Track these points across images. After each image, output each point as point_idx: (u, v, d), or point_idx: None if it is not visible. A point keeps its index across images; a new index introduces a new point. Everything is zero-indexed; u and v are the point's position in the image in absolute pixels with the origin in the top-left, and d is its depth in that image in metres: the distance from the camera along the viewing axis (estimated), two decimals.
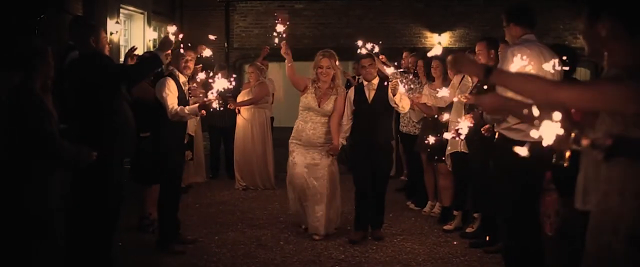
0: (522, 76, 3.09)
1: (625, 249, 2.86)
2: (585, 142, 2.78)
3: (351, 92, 7.24)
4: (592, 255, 3.03)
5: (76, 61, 5.54)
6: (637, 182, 2.85)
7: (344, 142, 7.21)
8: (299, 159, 7.03)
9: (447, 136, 6.12)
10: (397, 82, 6.68)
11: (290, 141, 7.15)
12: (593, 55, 3.28)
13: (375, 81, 7.10)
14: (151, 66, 5.70)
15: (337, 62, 7.05)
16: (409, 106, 7.14)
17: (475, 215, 7.09)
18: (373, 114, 7.02)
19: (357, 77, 14.57)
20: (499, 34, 16.50)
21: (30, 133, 4.21)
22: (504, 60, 5.11)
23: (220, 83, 6.47)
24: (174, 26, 5.92)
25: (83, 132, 5.16)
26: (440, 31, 17.36)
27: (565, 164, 2.92)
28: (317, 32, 17.30)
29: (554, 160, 2.90)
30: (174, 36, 5.75)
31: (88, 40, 5.39)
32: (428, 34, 17.40)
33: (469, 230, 7.12)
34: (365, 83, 7.14)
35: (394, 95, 6.77)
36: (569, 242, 4.37)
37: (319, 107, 7.01)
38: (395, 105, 6.92)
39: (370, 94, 7.08)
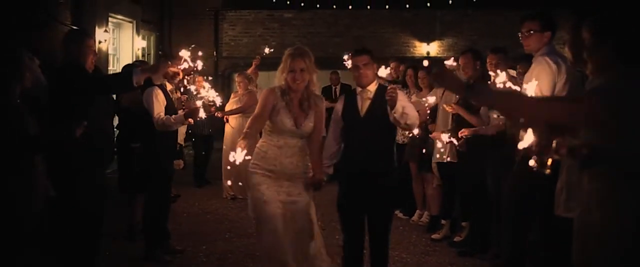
0: (500, 94, 3.17)
1: (610, 263, 2.90)
2: (562, 150, 2.83)
3: (340, 102, 5.48)
4: (581, 260, 3.09)
5: (53, 72, 5.56)
6: (616, 197, 2.91)
7: (330, 172, 5.43)
8: (271, 192, 5.06)
9: (444, 138, 6.20)
10: (394, 89, 5.00)
11: (252, 168, 5.16)
12: (578, 64, 3.35)
13: (372, 87, 5.27)
14: (120, 86, 5.65)
15: (312, 63, 5.10)
16: (416, 123, 5.25)
17: (464, 224, 7.11)
18: (368, 131, 5.21)
19: (334, 88, 14.67)
20: (487, 43, 16.67)
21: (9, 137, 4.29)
22: (541, 69, 4.94)
23: (210, 93, 6.48)
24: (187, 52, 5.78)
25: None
26: (428, 40, 17.45)
27: (547, 172, 2.96)
28: (306, 41, 17.33)
29: (535, 168, 2.95)
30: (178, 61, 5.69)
31: (69, 49, 5.41)
32: (417, 43, 17.49)
33: (457, 239, 7.13)
34: (358, 90, 5.32)
35: (391, 109, 5.01)
36: None
37: (297, 127, 5.07)
38: (395, 122, 5.11)
39: (363, 105, 5.27)
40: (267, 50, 11.37)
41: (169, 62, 5.49)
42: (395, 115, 5.00)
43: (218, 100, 6.77)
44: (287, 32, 17.47)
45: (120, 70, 10.24)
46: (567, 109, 2.95)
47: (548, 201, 3.82)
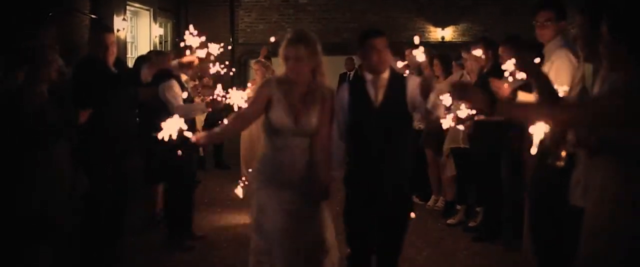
0: (526, 107, 3.13)
1: (618, 258, 2.98)
2: (572, 139, 2.90)
3: (343, 90, 4.67)
4: (586, 259, 3.14)
5: (78, 63, 5.73)
6: (629, 191, 2.93)
7: (338, 177, 4.66)
8: (271, 199, 4.37)
9: (445, 124, 6.24)
10: (431, 75, 4.68)
11: (253, 174, 4.61)
12: (590, 58, 3.40)
13: (386, 74, 4.53)
14: (130, 82, 5.77)
15: (319, 48, 4.36)
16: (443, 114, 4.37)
17: (478, 209, 7.22)
18: (384, 125, 4.46)
19: (348, 74, 14.56)
20: (501, 28, 16.62)
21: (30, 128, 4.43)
22: (561, 62, 4.86)
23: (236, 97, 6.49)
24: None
25: (81, 134, 5.36)
26: (443, 25, 17.46)
27: (562, 164, 3.06)
28: (321, 26, 17.40)
29: (549, 160, 3.05)
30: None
31: (91, 43, 5.57)
32: (431, 28, 17.50)
33: (471, 224, 7.25)
34: (368, 77, 4.55)
35: (425, 99, 4.32)
36: None
37: (296, 124, 4.30)
38: (429, 115, 4.38)
39: (378, 94, 4.51)
40: (272, 39, 11.46)
41: (171, 55, 5.63)
42: (428, 106, 4.31)
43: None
44: (303, 18, 17.55)
45: (137, 57, 10.46)
46: (593, 114, 2.96)
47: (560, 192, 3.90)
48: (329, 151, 4.49)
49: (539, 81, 3.64)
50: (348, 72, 14.08)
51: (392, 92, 4.52)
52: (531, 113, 3.05)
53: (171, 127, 4.24)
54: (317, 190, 4.38)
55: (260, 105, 4.37)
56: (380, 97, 4.52)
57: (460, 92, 3.29)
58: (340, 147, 4.61)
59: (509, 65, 4.35)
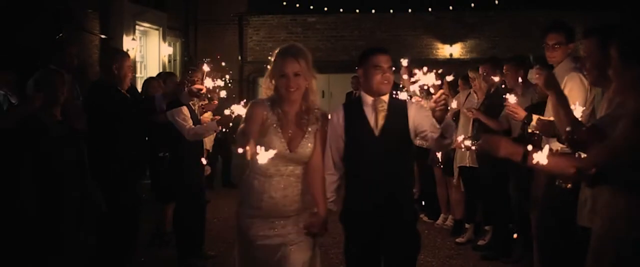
0: (554, 159, 3.14)
1: None
2: (572, 170, 2.92)
3: (337, 115, 4.19)
4: None
5: (92, 87, 5.80)
6: (632, 212, 2.95)
7: (334, 209, 4.17)
8: (261, 238, 3.92)
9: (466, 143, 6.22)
10: (445, 97, 3.79)
11: (239, 210, 4.05)
12: (597, 82, 3.43)
13: (386, 97, 4.13)
14: (145, 112, 5.87)
15: (311, 64, 3.90)
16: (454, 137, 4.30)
17: (487, 228, 7.21)
18: (386, 153, 4.05)
19: (354, 93, 14.43)
20: (509, 44, 16.55)
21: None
22: (574, 84, 4.82)
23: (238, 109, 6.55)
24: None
25: (94, 156, 5.40)
26: (451, 42, 17.50)
27: (568, 185, 3.09)
28: (330, 44, 17.49)
29: (557, 182, 3.07)
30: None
31: (111, 67, 5.63)
32: (439, 45, 17.55)
33: (480, 243, 7.24)
34: (368, 100, 4.13)
35: (439, 121, 3.82)
36: None
37: (290, 150, 3.86)
38: (437, 141, 3.95)
39: (378, 118, 4.09)
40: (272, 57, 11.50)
41: (184, 83, 5.62)
42: (443, 130, 3.85)
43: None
44: (311, 36, 17.64)
45: (146, 77, 10.55)
46: (617, 152, 2.98)
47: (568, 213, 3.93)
48: (323, 180, 4.04)
49: (559, 99, 3.68)
50: (354, 92, 14.04)
51: (393, 118, 4.10)
52: (559, 166, 3.04)
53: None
54: (314, 223, 3.94)
55: (258, 124, 3.84)
56: (381, 123, 4.09)
57: (490, 147, 3.28)
58: (334, 175, 4.14)
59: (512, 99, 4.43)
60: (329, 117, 4.10)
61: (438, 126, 3.82)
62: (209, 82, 5.56)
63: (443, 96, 3.75)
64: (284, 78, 3.82)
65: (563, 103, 3.74)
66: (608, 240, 3.07)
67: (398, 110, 4.12)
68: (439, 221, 8.39)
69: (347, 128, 4.13)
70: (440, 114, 3.78)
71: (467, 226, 7.64)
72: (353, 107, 4.22)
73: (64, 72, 5.60)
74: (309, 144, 3.92)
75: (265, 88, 3.98)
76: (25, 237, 4.57)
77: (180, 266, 6.60)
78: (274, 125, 3.86)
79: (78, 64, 6.85)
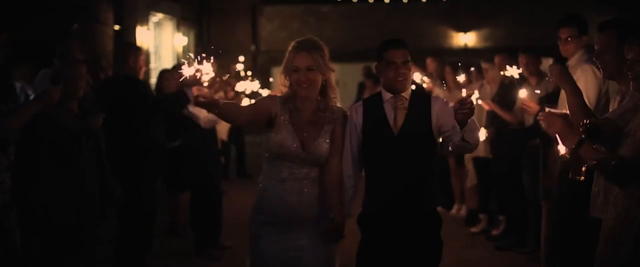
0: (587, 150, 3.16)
1: None
2: (592, 162, 2.94)
3: (356, 112, 3.86)
4: (610, 261, 3.18)
5: (112, 79, 5.83)
6: None
7: (351, 215, 3.85)
8: (273, 249, 3.65)
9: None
10: (470, 96, 3.41)
11: (252, 217, 3.78)
12: (612, 75, 3.44)
13: (407, 93, 3.82)
14: (180, 104, 5.94)
15: (327, 58, 3.69)
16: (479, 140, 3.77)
17: (500, 218, 7.21)
18: (406, 154, 3.74)
19: (366, 82, 14.26)
20: (524, 32, 16.48)
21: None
22: (588, 77, 4.85)
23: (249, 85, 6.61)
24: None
25: (112, 149, 5.44)
26: (466, 30, 17.44)
27: (582, 178, 3.09)
28: (343, 34, 17.48)
29: (570, 174, 3.07)
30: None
31: (128, 60, 5.68)
32: (454, 34, 17.48)
33: (494, 232, 7.24)
34: (387, 97, 3.81)
35: (461, 125, 3.40)
36: None
37: (304, 148, 3.62)
38: (458, 144, 3.52)
39: (397, 117, 3.77)
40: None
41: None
42: (465, 134, 3.44)
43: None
44: (324, 26, 17.63)
45: (160, 68, 10.59)
46: None
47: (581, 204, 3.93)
48: (341, 182, 3.76)
49: (572, 94, 3.69)
50: (365, 81, 13.88)
51: (414, 115, 3.78)
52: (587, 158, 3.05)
53: None
54: (331, 231, 3.67)
55: (255, 111, 3.69)
56: (400, 121, 3.77)
57: (548, 125, 3.29)
58: (351, 178, 3.81)
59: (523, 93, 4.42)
60: (348, 113, 3.85)
61: (459, 129, 3.43)
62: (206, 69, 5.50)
63: (469, 98, 3.35)
64: (296, 72, 3.60)
65: (577, 96, 3.74)
66: (624, 231, 3.09)
67: (420, 107, 3.79)
68: (453, 211, 8.40)
69: (364, 126, 3.81)
70: (463, 116, 3.37)
71: (481, 216, 7.64)
72: (373, 104, 3.87)
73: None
74: (324, 145, 3.66)
75: (280, 85, 3.75)
76: (44, 235, 4.61)
77: (196, 256, 6.66)
78: (286, 122, 3.62)
79: (86, 57, 6.87)
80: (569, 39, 5.00)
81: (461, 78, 4.50)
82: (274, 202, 3.66)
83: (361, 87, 13.40)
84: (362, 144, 3.82)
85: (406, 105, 3.79)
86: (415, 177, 3.75)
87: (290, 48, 3.68)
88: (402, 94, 3.80)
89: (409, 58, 3.78)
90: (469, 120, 3.40)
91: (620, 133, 3.17)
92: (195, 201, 6.77)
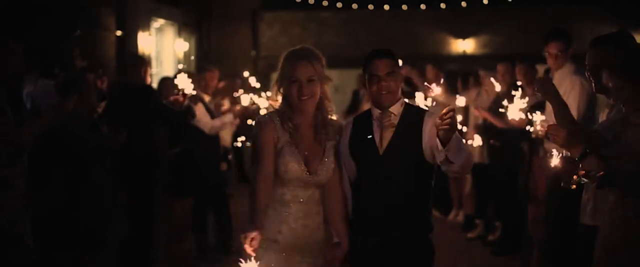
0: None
1: None
2: (581, 172, 3.04)
3: (346, 129, 3.57)
4: None
5: (125, 88, 5.90)
6: None
7: None
8: None
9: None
10: (453, 111, 3.05)
11: (246, 238, 3.21)
12: (602, 91, 3.56)
13: (397, 108, 3.45)
14: (188, 118, 6.08)
15: (324, 68, 3.41)
16: (471, 163, 3.44)
17: (497, 223, 7.30)
18: (392, 177, 3.41)
19: (360, 92, 14.11)
20: (523, 39, 16.54)
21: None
22: (573, 89, 5.01)
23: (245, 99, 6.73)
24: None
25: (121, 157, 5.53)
26: (464, 37, 17.51)
27: (573, 187, 3.20)
28: (343, 40, 17.54)
29: (562, 183, 3.19)
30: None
31: (140, 70, 5.79)
32: (452, 41, 17.57)
33: (490, 238, 7.33)
34: (375, 113, 3.50)
35: (444, 142, 3.10)
36: None
37: (311, 172, 3.34)
38: (445, 165, 3.22)
39: (384, 136, 3.45)
40: None
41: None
42: (448, 153, 3.11)
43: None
44: (325, 32, 17.71)
45: (162, 74, 10.70)
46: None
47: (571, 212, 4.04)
48: (345, 204, 3.50)
49: (558, 107, 3.79)
50: (359, 90, 13.43)
51: (402, 133, 3.42)
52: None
53: None
54: (336, 257, 3.45)
55: (272, 151, 3.32)
56: (386, 140, 3.43)
57: (554, 135, 3.30)
58: (350, 201, 3.54)
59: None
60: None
61: (440, 148, 3.11)
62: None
63: (450, 113, 3.02)
64: (295, 84, 3.29)
65: (563, 109, 3.83)
66: (619, 239, 3.18)
67: (411, 124, 3.42)
68: (451, 217, 8.49)
69: (351, 145, 3.48)
70: (443, 133, 3.06)
71: (477, 221, 7.73)
72: (361, 121, 3.56)
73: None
74: (331, 164, 3.39)
75: (271, 100, 3.49)
76: (57, 241, 4.72)
77: (200, 259, 6.79)
78: (288, 143, 3.32)
79: (88, 64, 6.95)
80: (559, 53, 5.14)
81: (438, 90, 3.34)
82: (279, 227, 3.35)
83: (355, 94, 13.25)
84: (353, 165, 3.49)
85: (395, 122, 3.44)
86: (402, 201, 3.39)
87: (284, 58, 3.38)
88: (391, 110, 3.44)
89: (396, 69, 3.44)
90: (452, 138, 3.07)
91: (616, 145, 3.27)
92: (197, 206, 6.86)
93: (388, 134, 3.43)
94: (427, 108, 3.70)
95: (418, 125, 3.40)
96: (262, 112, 5.97)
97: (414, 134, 3.40)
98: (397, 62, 3.48)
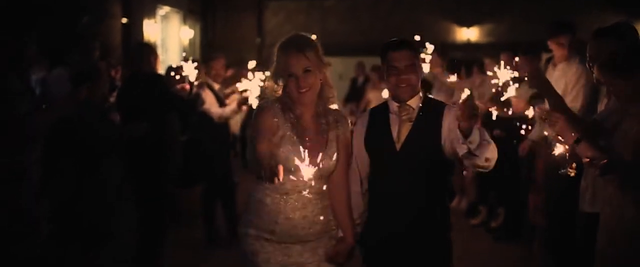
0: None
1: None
2: (584, 160, 3.12)
3: (362, 122, 3.48)
4: (608, 257, 3.35)
5: (134, 77, 5.97)
6: None
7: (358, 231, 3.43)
8: (273, 264, 3.29)
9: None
10: (468, 100, 2.89)
11: (243, 226, 3.36)
12: (603, 82, 3.64)
13: (415, 101, 3.33)
14: (196, 106, 6.19)
15: (321, 53, 3.24)
16: (495, 157, 3.10)
17: (500, 210, 7.39)
18: (410, 174, 3.29)
19: (357, 79, 14.07)
20: (527, 28, 16.52)
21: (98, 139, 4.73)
22: (579, 79, 5.08)
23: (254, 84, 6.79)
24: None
25: (134, 145, 5.59)
26: (469, 25, 17.53)
27: (572, 174, 3.29)
28: (347, 28, 17.58)
29: (561, 170, 3.27)
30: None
31: (149, 58, 5.84)
32: (457, 28, 17.59)
33: (493, 225, 7.42)
34: (393, 106, 3.37)
35: (465, 134, 2.91)
36: None
37: (313, 164, 2.96)
38: (466, 159, 3.04)
39: (401, 131, 3.32)
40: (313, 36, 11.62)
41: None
42: (471, 145, 2.92)
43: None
44: (329, 20, 17.74)
45: (168, 61, 10.76)
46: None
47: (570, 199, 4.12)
48: (349, 197, 3.37)
49: (553, 99, 3.85)
50: (357, 78, 13.25)
51: (421, 128, 3.28)
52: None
53: None
54: (340, 252, 3.30)
55: (270, 137, 3.17)
56: (404, 135, 3.29)
57: (550, 120, 3.39)
58: (358, 194, 3.43)
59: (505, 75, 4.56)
60: (351, 121, 3.49)
61: (462, 141, 2.93)
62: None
63: (468, 100, 2.87)
64: (292, 78, 3.16)
65: (558, 100, 3.90)
66: (618, 227, 3.26)
67: (430, 118, 3.28)
68: (454, 203, 8.56)
69: (367, 139, 3.38)
70: (466, 124, 2.88)
71: (480, 208, 7.81)
72: (378, 115, 3.43)
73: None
74: (333, 154, 3.26)
75: (269, 90, 3.36)
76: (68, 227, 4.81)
77: (209, 243, 6.93)
78: (289, 133, 3.19)
79: (100, 54, 7.00)
80: (564, 44, 5.21)
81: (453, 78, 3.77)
82: (276, 217, 3.24)
83: (354, 82, 13.28)
84: (367, 160, 3.39)
85: (413, 116, 3.30)
86: (419, 196, 3.27)
87: (278, 49, 3.25)
88: (409, 103, 3.31)
89: (416, 61, 3.29)
90: (474, 130, 2.91)
91: (614, 134, 3.35)
92: (206, 195, 6.95)
93: (406, 129, 3.31)
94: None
95: (437, 120, 3.26)
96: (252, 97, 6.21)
97: (433, 128, 3.26)
98: (417, 53, 3.33)
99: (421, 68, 3.36)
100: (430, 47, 7.27)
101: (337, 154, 3.28)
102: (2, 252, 3.97)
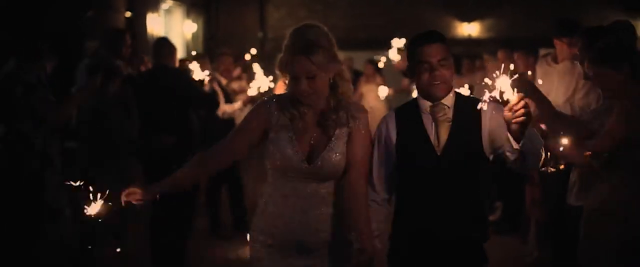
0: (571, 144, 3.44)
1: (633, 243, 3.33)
2: (586, 154, 3.25)
3: (387, 123, 3.14)
4: (595, 245, 3.50)
5: (157, 71, 6.04)
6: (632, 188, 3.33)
7: (379, 246, 3.06)
8: None
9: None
10: (522, 100, 2.59)
11: (252, 236, 3.12)
12: (587, 77, 3.76)
13: (449, 100, 3.04)
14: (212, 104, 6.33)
15: (333, 51, 2.96)
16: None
17: (497, 204, 7.49)
18: (452, 177, 2.99)
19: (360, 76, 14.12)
20: (529, 23, 16.58)
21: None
22: (582, 78, 5.11)
23: (261, 81, 6.90)
24: None
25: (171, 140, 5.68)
26: (470, 20, 17.58)
27: (551, 170, 3.42)
28: (350, 22, 17.64)
29: (550, 165, 3.39)
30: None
31: (172, 56, 5.93)
32: (457, 24, 17.65)
33: (491, 218, 7.51)
34: (425, 105, 3.06)
35: (517, 138, 2.67)
36: None
37: (309, 162, 2.92)
38: (518, 161, 2.80)
39: (440, 132, 3.02)
40: None
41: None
42: (524, 150, 2.71)
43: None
44: (331, 14, 17.80)
45: None
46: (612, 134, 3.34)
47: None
48: (367, 203, 3.01)
49: (539, 103, 3.95)
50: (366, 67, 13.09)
51: (460, 128, 2.99)
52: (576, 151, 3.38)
53: None
54: (360, 262, 2.89)
55: (248, 136, 3.01)
56: (444, 137, 3.00)
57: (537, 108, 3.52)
58: (380, 204, 3.12)
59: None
60: (378, 123, 3.19)
61: (516, 146, 2.69)
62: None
63: (522, 102, 2.57)
64: (295, 81, 2.89)
65: (546, 104, 3.98)
66: (605, 215, 3.42)
67: (468, 117, 2.97)
68: None
69: (400, 143, 3.06)
70: (518, 127, 2.62)
71: None
72: (408, 115, 3.10)
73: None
74: (336, 154, 2.93)
75: (281, 83, 3.18)
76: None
77: (213, 237, 7.04)
78: (285, 128, 2.94)
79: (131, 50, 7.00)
80: (567, 43, 5.14)
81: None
82: (275, 221, 3.02)
83: (356, 75, 13.26)
84: (397, 164, 3.09)
85: (450, 115, 3.02)
86: (465, 200, 3.00)
87: (285, 42, 2.97)
88: (443, 102, 3.02)
89: (449, 55, 2.99)
90: (526, 132, 2.65)
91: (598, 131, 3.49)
92: (211, 184, 7.06)
93: (445, 131, 3.00)
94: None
95: (476, 118, 2.96)
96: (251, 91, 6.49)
97: (473, 128, 2.98)
98: (448, 47, 3.02)
99: (452, 64, 3.04)
100: None
101: (346, 153, 2.96)
102: (31, 233, 4.11)
